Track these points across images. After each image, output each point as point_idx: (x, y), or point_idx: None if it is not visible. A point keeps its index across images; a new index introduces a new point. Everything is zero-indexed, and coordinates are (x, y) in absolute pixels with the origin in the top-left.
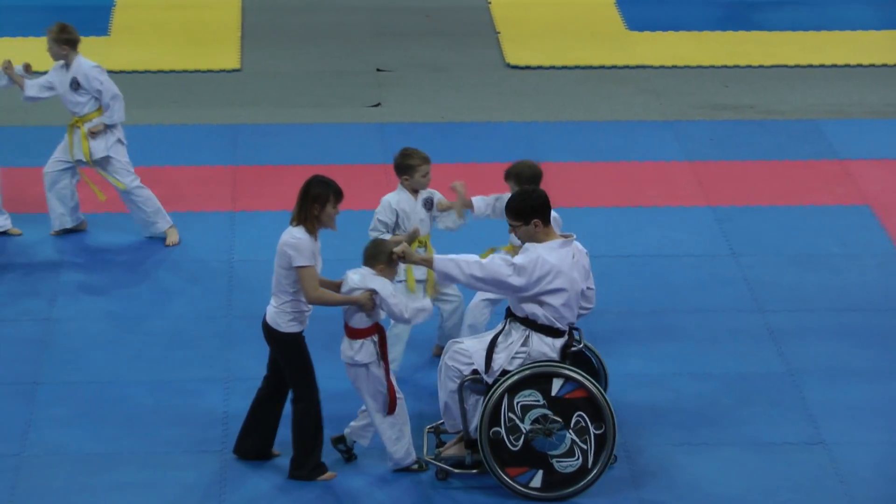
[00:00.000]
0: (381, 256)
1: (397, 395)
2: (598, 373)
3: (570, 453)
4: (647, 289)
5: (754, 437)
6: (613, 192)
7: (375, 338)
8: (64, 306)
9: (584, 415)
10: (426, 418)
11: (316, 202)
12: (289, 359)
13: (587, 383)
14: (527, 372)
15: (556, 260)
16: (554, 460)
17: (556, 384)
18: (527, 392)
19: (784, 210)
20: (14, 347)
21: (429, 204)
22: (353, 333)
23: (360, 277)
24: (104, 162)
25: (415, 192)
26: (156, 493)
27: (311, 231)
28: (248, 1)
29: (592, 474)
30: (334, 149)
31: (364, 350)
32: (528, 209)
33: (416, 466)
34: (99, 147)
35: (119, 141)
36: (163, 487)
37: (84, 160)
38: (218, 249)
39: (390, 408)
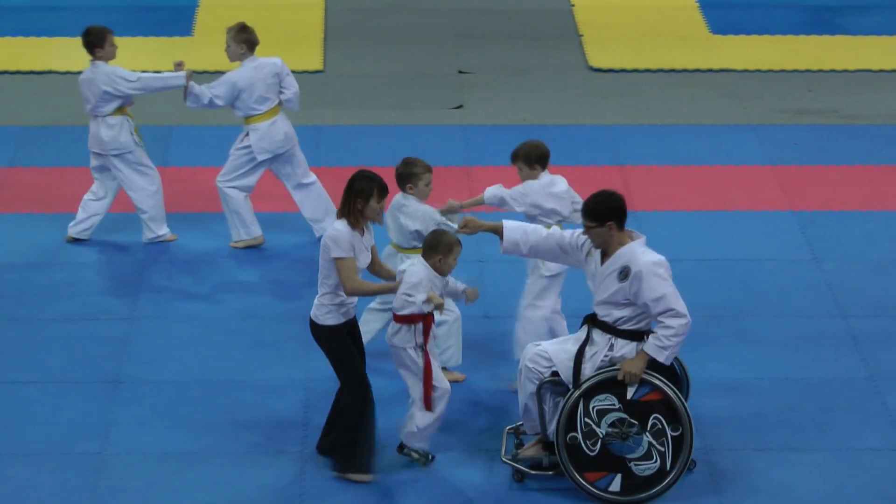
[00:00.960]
0: (439, 248)
1: (437, 390)
2: (679, 378)
3: (647, 456)
4: (728, 293)
5: (836, 442)
6: (696, 196)
7: (419, 326)
8: (146, 305)
9: (660, 417)
10: (508, 418)
11: (359, 197)
12: (328, 351)
13: (662, 385)
14: (602, 376)
15: (664, 260)
16: (632, 464)
17: (631, 388)
18: (602, 396)
19: (867, 215)
20: (96, 346)
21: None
22: (397, 318)
23: (407, 265)
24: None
25: (419, 201)
26: (236, 492)
27: (355, 225)
28: (332, 2)
29: (671, 477)
30: (416, 150)
31: (401, 334)
32: (605, 211)
33: (416, 455)
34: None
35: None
36: (243, 487)
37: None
38: (301, 249)
39: (426, 402)
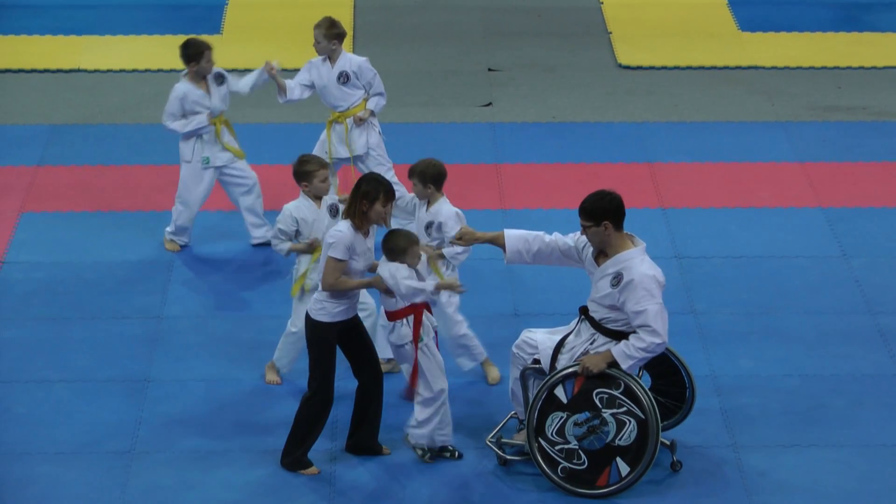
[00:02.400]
0: (395, 252)
1: (433, 391)
2: (677, 371)
3: (621, 425)
4: (757, 290)
5: (865, 439)
6: (725, 193)
7: (410, 319)
8: (175, 304)
9: (599, 389)
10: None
11: (365, 199)
12: (312, 347)
13: (575, 368)
14: (535, 404)
15: (658, 273)
16: (617, 441)
17: (560, 390)
18: (548, 422)
19: None
20: (126, 345)
21: (334, 210)
22: (390, 316)
23: (380, 265)
24: (364, 157)
25: (317, 198)
26: (266, 490)
27: (359, 227)
28: (361, 0)
29: (652, 421)
30: (445, 148)
31: (397, 332)
32: (601, 210)
33: (419, 452)
34: (361, 142)
35: (379, 133)
36: (273, 485)
37: (346, 157)
38: None
39: (407, 392)
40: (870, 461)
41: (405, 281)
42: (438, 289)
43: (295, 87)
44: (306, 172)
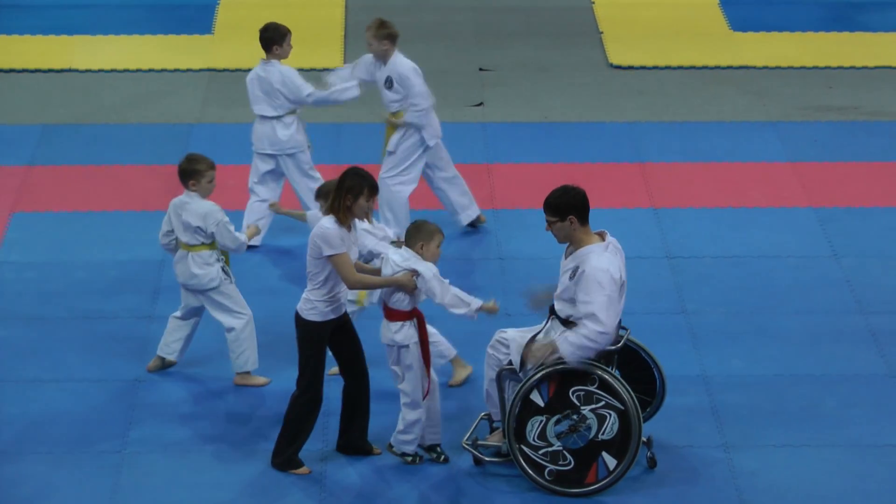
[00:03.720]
0: (421, 235)
1: (432, 382)
2: (649, 367)
3: (602, 419)
4: (749, 290)
5: (856, 439)
6: (716, 193)
7: (415, 321)
8: (165, 304)
9: (575, 387)
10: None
11: (349, 193)
12: (302, 346)
13: (549, 370)
14: (511, 412)
15: (614, 268)
16: (600, 436)
17: (535, 395)
18: (529, 426)
19: (887, 211)
20: (116, 345)
21: None
22: (392, 315)
23: (400, 258)
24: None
25: (202, 198)
26: (257, 490)
27: (343, 221)
28: (353, 0)
29: (632, 410)
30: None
31: (404, 331)
32: (566, 205)
33: (409, 459)
34: (392, 141)
35: (415, 143)
36: (264, 485)
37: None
38: None
39: (426, 395)
40: (861, 461)
41: (445, 287)
42: (480, 310)
43: (353, 87)
44: (195, 171)
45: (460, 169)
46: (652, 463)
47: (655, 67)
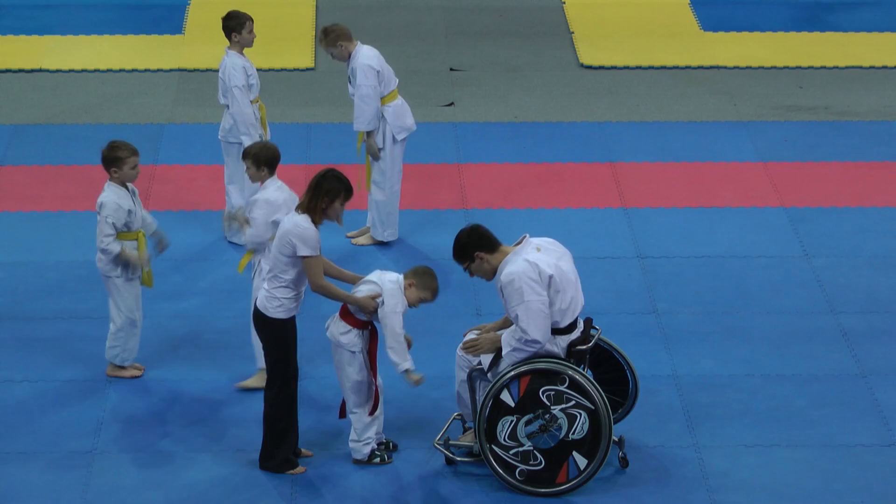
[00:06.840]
0: (419, 279)
1: (379, 392)
2: (622, 369)
3: (572, 419)
4: (719, 289)
5: (827, 439)
6: (687, 193)
7: (366, 333)
8: None
9: (545, 386)
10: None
11: (326, 196)
12: (268, 345)
13: (521, 369)
14: (482, 412)
15: (527, 268)
16: (570, 435)
17: (506, 394)
18: (500, 426)
19: (858, 211)
20: (87, 345)
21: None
22: (345, 316)
23: (388, 279)
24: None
25: (124, 185)
26: (228, 490)
27: (317, 223)
28: (323, 0)
29: (602, 409)
30: (407, 148)
31: (349, 337)
32: (467, 247)
33: (377, 460)
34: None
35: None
36: (235, 484)
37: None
38: None
39: (372, 408)
40: (831, 461)
41: (399, 329)
42: (406, 372)
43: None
44: (117, 158)
45: (431, 169)
46: (624, 463)
47: (626, 67)
